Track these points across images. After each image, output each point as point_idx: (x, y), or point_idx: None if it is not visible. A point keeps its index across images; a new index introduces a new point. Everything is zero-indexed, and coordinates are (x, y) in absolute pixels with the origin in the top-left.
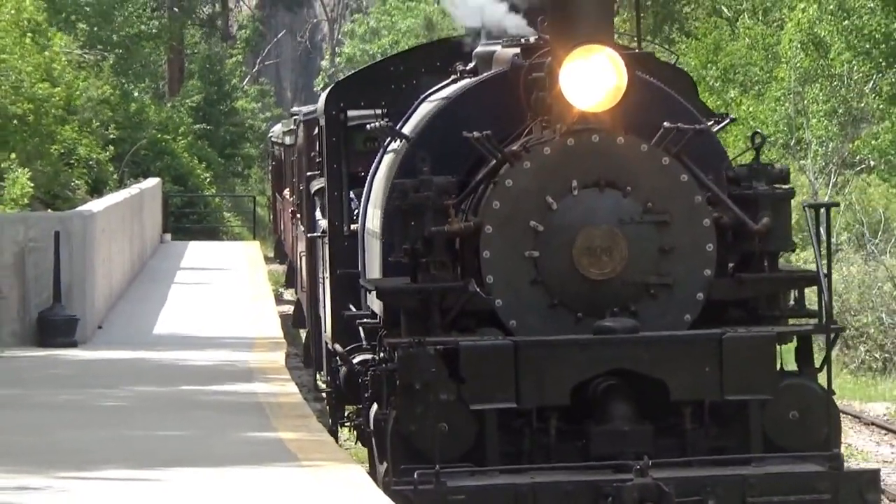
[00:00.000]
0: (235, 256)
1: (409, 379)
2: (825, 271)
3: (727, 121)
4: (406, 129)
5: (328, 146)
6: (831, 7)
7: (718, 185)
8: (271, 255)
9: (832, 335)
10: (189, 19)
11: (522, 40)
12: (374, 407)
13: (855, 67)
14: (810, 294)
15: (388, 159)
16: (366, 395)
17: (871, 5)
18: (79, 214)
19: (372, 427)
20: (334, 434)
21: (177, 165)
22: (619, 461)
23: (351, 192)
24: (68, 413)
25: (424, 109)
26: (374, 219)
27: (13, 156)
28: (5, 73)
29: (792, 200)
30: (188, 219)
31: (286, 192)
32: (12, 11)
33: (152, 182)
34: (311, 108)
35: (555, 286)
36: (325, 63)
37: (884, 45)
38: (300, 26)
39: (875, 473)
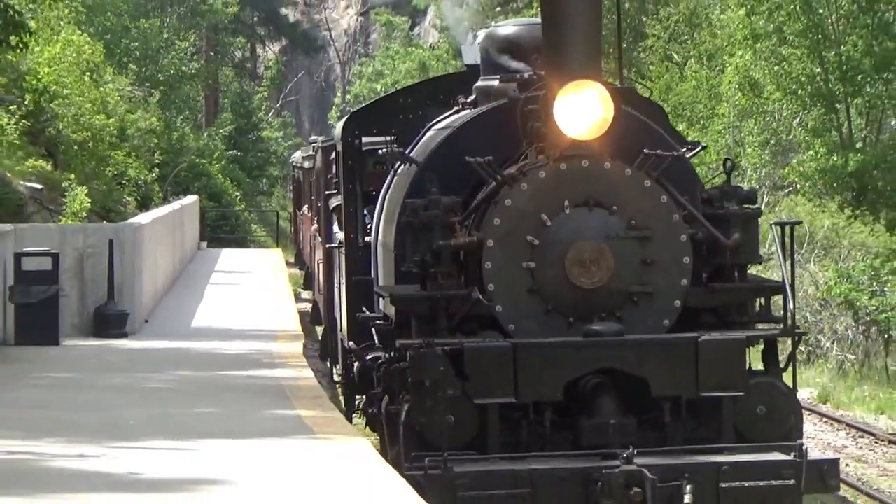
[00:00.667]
0: (261, 262)
1: (419, 376)
2: (790, 281)
3: (699, 148)
4: (415, 155)
5: (345, 168)
6: (765, 54)
7: (693, 205)
8: (291, 260)
9: (796, 339)
10: (223, 62)
11: (518, 76)
12: (386, 398)
13: (784, 105)
14: (775, 301)
15: (399, 181)
16: (378, 388)
17: (798, 53)
18: (129, 225)
19: (384, 416)
20: (349, 419)
21: (212, 185)
22: (606, 450)
23: (364, 209)
24: (119, 393)
25: (431, 137)
26: (386, 233)
27: (73, 176)
28: (67, 107)
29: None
30: (221, 230)
31: (305, 208)
32: (74, 54)
33: (191, 199)
34: (326, 137)
35: (549, 294)
36: (337, 99)
37: (808, 87)
38: (316, 68)
39: (835, 462)
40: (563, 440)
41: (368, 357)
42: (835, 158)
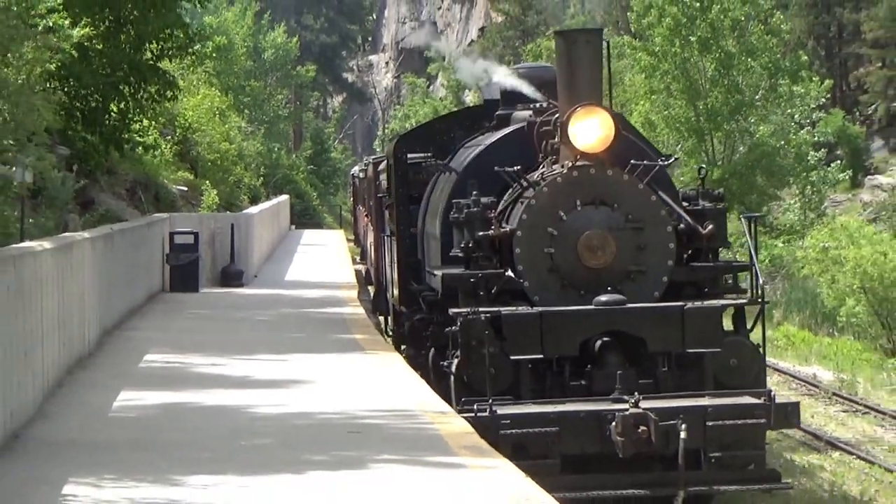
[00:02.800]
0: (329, 238)
1: (467, 338)
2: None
3: (673, 159)
4: (453, 166)
5: (395, 177)
6: (658, 104)
7: (675, 203)
8: (350, 237)
9: (763, 306)
10: (305, 108)
11: (532, 105)
12: (433, 351)
13: (670, 137)
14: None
15: (440, 186)
16: (428, 343)
17: (680, 103)
18: (244, 214)
19: (430, 364)
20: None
21: (298, 188)
22: (615, 396)
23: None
24: (239, 324)
25: (465, 153)
26: (432, 226)
27: (208, 182)
28: (204, 137)
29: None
30: (304, 217)
31: (360, 206)
32: (208, 103)
33: (284, 197)
34: (375, 158)
35: (565, 272)
36: (379, 133)
37: (686, 125)
38: (366, 113)
39: (796, 405)
40: (579, 387)
41: (416, 318)
42: None
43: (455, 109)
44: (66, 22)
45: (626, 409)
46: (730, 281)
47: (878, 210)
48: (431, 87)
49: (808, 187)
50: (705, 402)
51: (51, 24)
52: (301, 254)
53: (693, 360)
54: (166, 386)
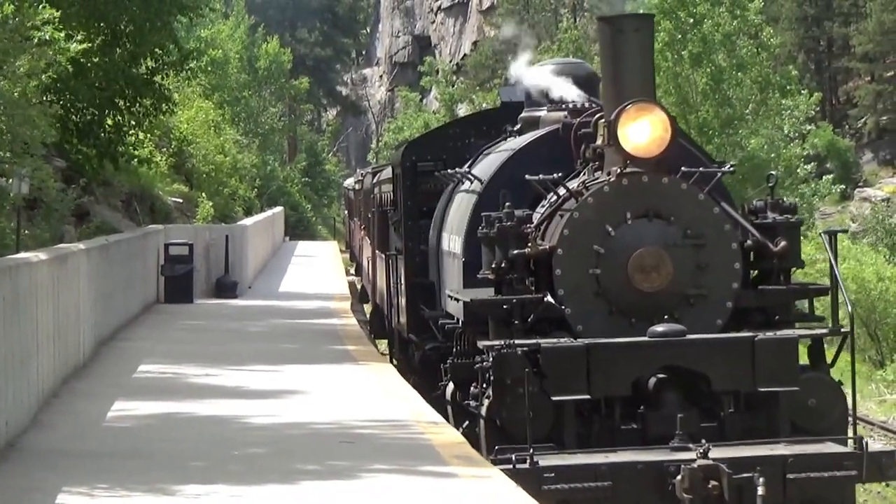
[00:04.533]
0: (323, 249)
1: (501, 375)
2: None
3: (729, 168)
4: (476, 174)
5: (404, 188)
6: None
7: (740, 215)
8: (343, 248)
9: (845, 337)
10: (299, 121)
11: (565, 105)
12: (452, 386)
13: None
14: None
15: (462, 197)
16: (446, 378)
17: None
18: (239, 225)
19: (451, 402)
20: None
21: (292, 200)
22: (677, 444)
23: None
24: (233, 335)
25: (489, 160)
26: (451, 243)
27: (203, 194)
28: (199, 149)
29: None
30: (298, 229)
31: (356, 219)
32: (203, 116)
33: (279, 209)
34: (372, 167)
35: (613, 297)
36: (373, 145)
37: None
38: (360, 125)
39: (892, 453)
40: (631, 432)
41: (428, 347)
42: None
43: (468, 113)
44: (62, 35)
45: (694, 460)
46: (797, 307)
47: (865, 223)
48: (424, 101)
49: (799, 200)
50: (784, 450)
51: (47, 38)
52: (295, 265)
53: (764, 401)
54: (160, 396)
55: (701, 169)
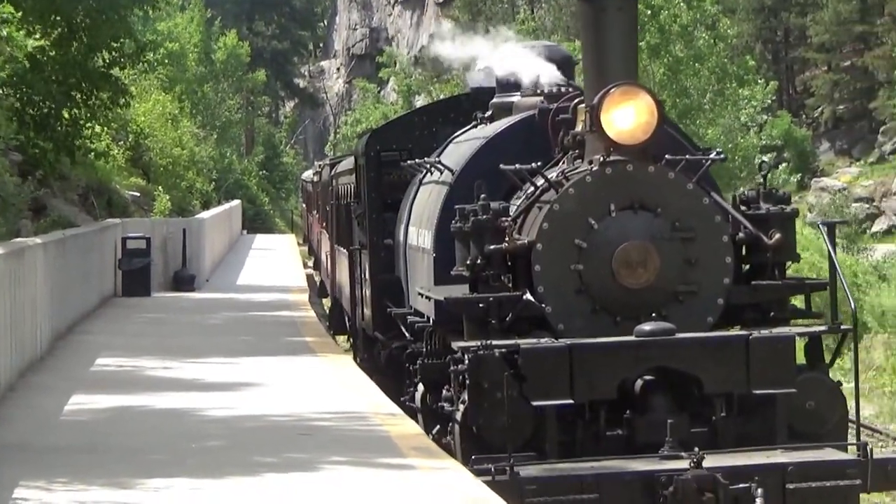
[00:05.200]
0: (281, 242)
1: (477, 378)
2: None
3: (720, 156)
4: (447, 164)
5: (367, 180)
6: None
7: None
8: (301, 241)
9: (846, 335)
10: (257, 114)
11: (542, 90)
12: (422, 388)
13: None
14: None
15: (430, 189)
16: (417, 379)
17: None
18: (196, 219)
19: (419, 405)
20: None
21: (250, 193)
22: (666, 451)
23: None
24: (190, 328)
25: (459, 149)
26: (420, 237)
27: (160, 187)
28: (156, 142)
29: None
30: (256, 222)
31: (313, 212)
32: (160, 108)
33: (236, 202)
34: (330, 159)
35: (596, 294)
36: (331, 137)
37: None
38: (317, 118)
39: None
40: (617, 438)
41: (394, 346)
42: None
43: (436, 100)
44: (21, 33)
45: (686, 470)
46: (793, 303)
47: (822, 213)
48: (382, 92)
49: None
50: (783, 458)
51: (3, 34)
52: (253, 258)
53: (759, 404)
54: (118, 389)
55: (687, 156)
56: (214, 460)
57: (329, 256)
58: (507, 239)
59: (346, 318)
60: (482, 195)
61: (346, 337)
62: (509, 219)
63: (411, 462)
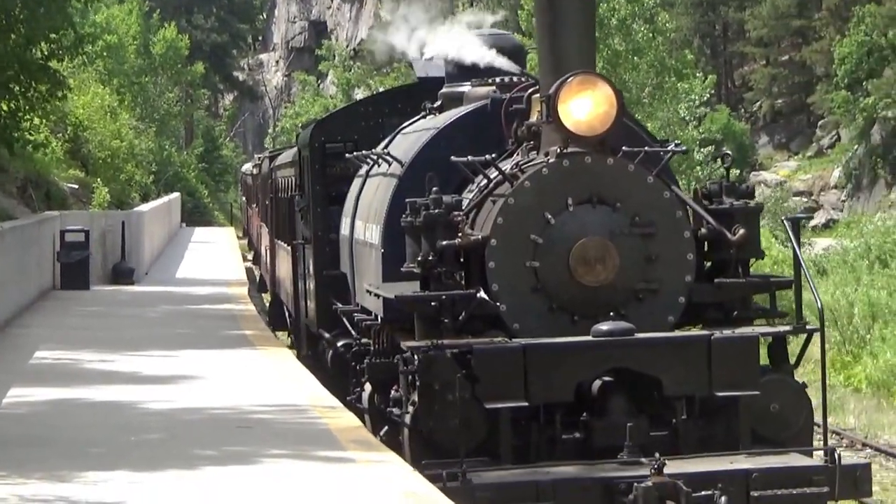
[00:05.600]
0: (220, 235)
1: (427, 380)
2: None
3: (677, 147)
4: (396, 156)
5: (312, 172)
6: None
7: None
8: (240, 234)
9: (811, 335)
10: (196, 106)
11: (494, 80)
12: (369, 388)
13: None
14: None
15: (378, 181)
16: (363, 379)
17: None
18: (135, 212)
19: (367, 406)
20: None
21: (189, 186)
22: (626, 456)
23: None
24: (129, 321)
25: (408, 140)
26: (367, 231)
27: (99, 180)
28: (95, 135)
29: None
30: (195, 215)
31: (253, 206)
32: (99, 101)
33: (175, 195)
34: (270, 151)
35: (553, 292)
36: (270, 131)
37: None
38: (257, 110)
39: (867, 467)
40: (573, 442)
41: (340, 344)
42: None
43: (393, 88)
44: None
45: (647, 477)
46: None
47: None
48: (322, 86)
49: (695, 183)
50: (747, 464)
51: None
52: (192, 251)
53: (721, 406)
54: (56, 382)
55: (646, 148)
56: (153, 453)
57: (269, 251)
58: (459, 234)
59: (288, 315)
60: (434, 188)
61: (286, 333)
62: (462, 213)
63: (351, 455)
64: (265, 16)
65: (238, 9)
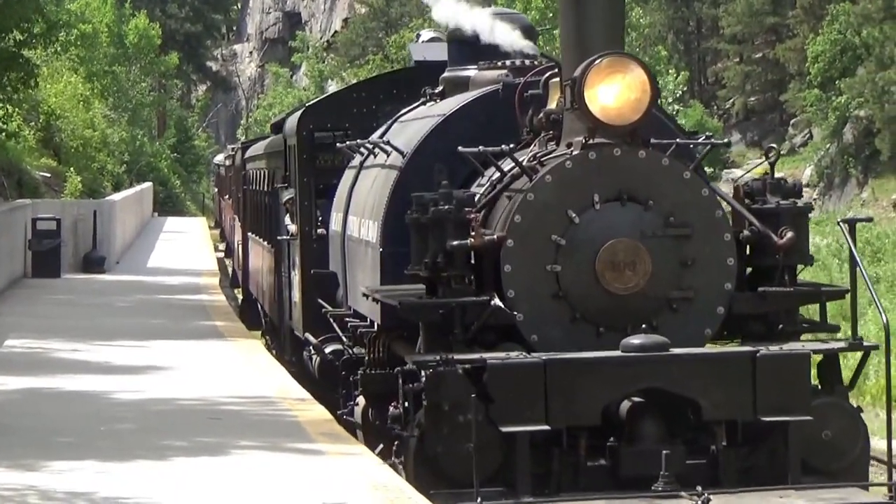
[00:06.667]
0: (192, 225)
1: (436, 399)
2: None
3: (723, 141)
4: (397, 145)
5: (300, 162)
6: None
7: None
8: (212, 224)
9: (868, 352)
10: (169, 96)
11: (504, 63)
12: (362, 401)
13: None
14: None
15: (376, 173)
16: (357, 392)
17: None
18: (107, 201)
19: (360, 421)
20: None
21: (161, 176)
22: (662, 488)
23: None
24: (100, 310)
25: (408, 128)
26: (362, 228)
27: (71, 169)
28: (67, 124)
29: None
30: (167, 204)
31: (225, 197)
32: (71, 90)
33: (147, 184)
34: (243, 142)
35: (577, 300)
36: (243, 122)
37: None
38: (230, 101)
39: None
40: (599, 470)
41: (328, 350)
42: None
43: (388, 72)
44: None
45: None
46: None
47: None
48: (295, 77)
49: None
50: (799, 499)
51: None
52: (163, 241)
53: (766, 432)
54: (26, 371)
55: (679, 140)
56: (123, 443)
57: (242, 245)
58: (472, 233)
59: (263, 314)
60: (443, 181)
61: (260, 333)
62: (475, 209)
63: (320, 447)
64: (239, 6)
65: None
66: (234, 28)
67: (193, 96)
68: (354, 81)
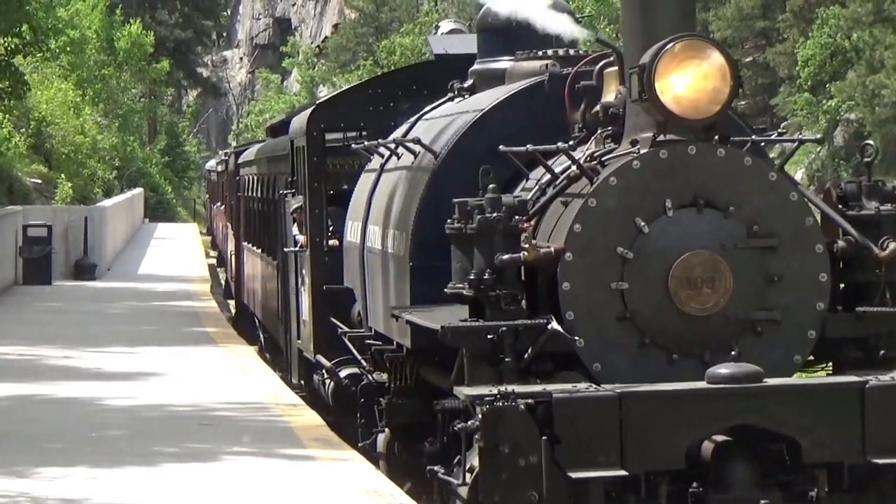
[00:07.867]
0: (183, 232)
1: (494, 439)
2: None
3: (816, 136)
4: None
5: (309, 166)
6: None
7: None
8: (204, 231)
9: None
10: (159, 102)
11: (547, 53)
12: (387, 433)
13: None
14: None
15: (400, 176)
16: (381, 423)
17: None
18: (98, 207)
19: (383, 452)
20: None
21: (152, 182)
22: None
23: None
24: (91, 317)
25: (436, 125)
26: (386, 239)
27: (62, 175)
28: (58, 130)
29: None
30: (158, 210)
31: (217, 204)
32: (62, 96)
33: (138, 190)
34: (235, 147)
35: (646, 323)
36: (234, 127)
37: None
38: (221, 107)
39: None
40: None
41: (343, 374)
42: None
43: (406, 66)
44: None
45: None
46: None
47: None
48: (285, 83)
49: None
50: None
51: None
52: (154, 247)
53: (875, 476)
54: (17, 378)
55: (754, 137)
56: (114, 450)
57: (235, 255)
58: (525, 246)
59: (262, 329)
60: (490, 185)
61: (256, 349)
62: (527, 218)
63: (312, 453)
64: (229, 12)
65: (202, 5)
66: (225, 34)
67: (184, 102)
68: (354, 83)
